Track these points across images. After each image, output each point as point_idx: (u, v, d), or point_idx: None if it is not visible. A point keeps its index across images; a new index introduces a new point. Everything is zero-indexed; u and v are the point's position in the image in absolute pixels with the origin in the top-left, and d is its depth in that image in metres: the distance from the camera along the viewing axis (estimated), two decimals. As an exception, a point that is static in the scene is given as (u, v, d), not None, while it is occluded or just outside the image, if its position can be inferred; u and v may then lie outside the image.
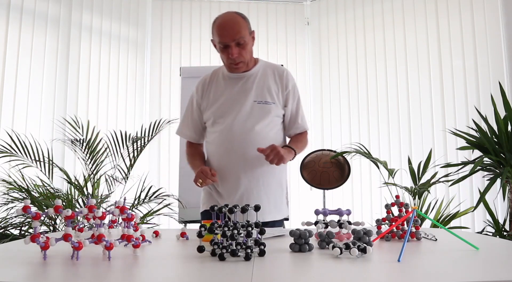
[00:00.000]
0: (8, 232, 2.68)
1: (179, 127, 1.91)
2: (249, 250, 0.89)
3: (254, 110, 1.71)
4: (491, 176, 2.47)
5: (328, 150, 3.30)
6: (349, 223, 1.14)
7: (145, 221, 3.10)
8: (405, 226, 1.24)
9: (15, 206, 2.75)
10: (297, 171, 3.22)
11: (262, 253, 0.94)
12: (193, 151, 1.87)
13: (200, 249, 0.94)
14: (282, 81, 1.77)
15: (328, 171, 3.13)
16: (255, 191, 1.70)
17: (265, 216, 1.70)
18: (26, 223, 2.69)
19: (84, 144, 3.11)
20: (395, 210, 1.29)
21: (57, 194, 2.89)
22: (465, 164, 2.61)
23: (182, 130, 1.90)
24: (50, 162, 3.00)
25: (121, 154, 3.23)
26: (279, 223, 1.79)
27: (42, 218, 2.48)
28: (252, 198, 1.68)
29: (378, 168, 3.13)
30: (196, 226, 1.90)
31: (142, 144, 3.24)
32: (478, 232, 2.89)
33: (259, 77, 1.76)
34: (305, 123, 1.86)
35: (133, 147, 3.22)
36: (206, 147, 1.85)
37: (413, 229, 1.20)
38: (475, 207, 2.47)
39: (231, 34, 1.63)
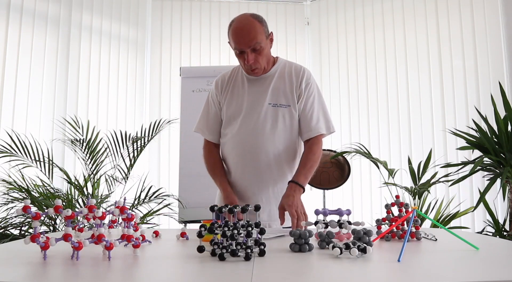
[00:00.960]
0: (8, 232, 2.67)
1: (198, 124, 1.83)
2: (249, 250, 0.89)
3: (268, 114, 1.67)
4: (491, 176, 2.48)
5: (328, 150, 3.31)
6: (349, 223, 1.14)
7: (145, 221, 3.10)
8: (405, 226, 1.24)
9: (15, 206, 2.75)
10: (297, 171, 3.21)
11: (262, 253, 0.94)
12: (212, 160, 1.79)
13: (200, 249, 0.94)
14: (298, 80, 1.71)
15: (328, 171, 3.14)
16: (265, 198, 1.67)
17: (271, 223, 1.67)
18: (26, 223, 2.69)
19: (84, 144, 3.11)
20: (395, 210, 1.29)
21: (57, 194, 2.89)
22: (465, 164, 2.61)
23: (200, 127, 1.82)
24: (50, 162, 3.00)
25: (121, 154, 3.23)
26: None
27: (42, 218, 2.48)
28: (261, 204, 1.64)
29: (378, 168, 3.13)
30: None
31: (142, 144, 3.24)
32: (478, 232, 2.89)
33: (276, 78, 1.72)
34: (320, 126, 1.71)
35: (133, 147, 3.22)
36: (221, 147, 1.80)
37: (413, 229, 1.20)
38: (475, 207, 2.47)
39: (246, 41, 1.57)
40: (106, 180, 3.16)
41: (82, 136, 3.17)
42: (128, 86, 4.18)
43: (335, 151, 3.17)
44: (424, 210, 2.93)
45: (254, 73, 1.68)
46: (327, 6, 4.47)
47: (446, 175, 2.87)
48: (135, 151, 3.23)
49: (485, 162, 2.53)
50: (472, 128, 2.70)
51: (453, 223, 2.92)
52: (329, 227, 1.12)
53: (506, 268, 0.79)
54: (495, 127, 2.52)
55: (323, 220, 1.15)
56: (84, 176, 3.11)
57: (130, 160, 3.23)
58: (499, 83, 2.59)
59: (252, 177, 1.68)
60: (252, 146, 1.66)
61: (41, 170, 3.01)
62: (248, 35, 1.57)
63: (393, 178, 3.05)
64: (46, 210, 0.95)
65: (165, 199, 3.16)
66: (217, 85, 1.79)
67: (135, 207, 3.07)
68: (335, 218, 1.17)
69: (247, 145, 1.67)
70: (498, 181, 2.35)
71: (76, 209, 2.03)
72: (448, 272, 0.77)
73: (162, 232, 1.38)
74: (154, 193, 3.16)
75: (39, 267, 0.82)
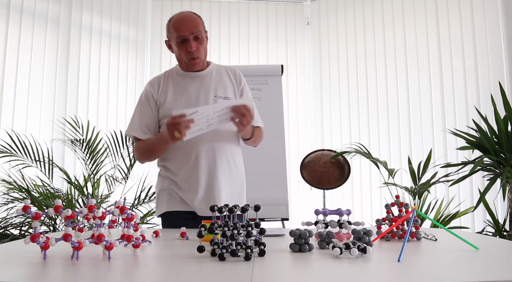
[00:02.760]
0: (8, 232, 2.68)
1: (130, 128, 1.78)
2: (249, 250, 0.89)
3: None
4: (491, 176, 2.48)
5: (328, 150, 3.32)
6: (349, 223, 1.14)
7: (145, 221, 3.10)
8: (405, 226, 1.24)
9: (15, 206, 2.75)
10: (297, 171, 3.24)
11: (262, 253, 0.94)
12: (145, 142, 1.77)
13: (200, 249, 0.94)
14: (236, 78, 1.83)
15: (328, 171, 3.15)
16: (218, 182, 1.70)
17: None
18: (26, 223, 2.69)
19: (84, 144, 3.11)
20: (395, 210, 1.29)
21: (57, 194, 2.90)
22: (465, 164, 2.61)
23: (134, 129, 1.76)
24: (50, 162, 3.00)
25: (121, 154, 3.23)
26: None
27: (42, 218, 2.49)
28: (216, 190, 1.68)
29: (378, 168, 3.13)
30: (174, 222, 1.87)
31: (142, 144, 3.24)
32: (478, 232, 2.89)
33: (214, 75, 1.80)
34: (259, 120, 1.84)
35: (133, 147, 3.22)
36: None
37: (413, 229, 1.20)
38: (475, 207, 2.47)
39: (190, 27, 1.67)
40: (106, 180, 3.16)
41: (82, 136, 3.17)
42: (128, 86, 4.18)
43: (335, 151, 3.17)
44: (424, 210, 2.93)
45: (194, 63, 1.73)
46: (327, 6, 4.47)
47: (446, 175, 2.87)
48: (135, 151, 3.23)
49: (485, 162, 2.53)
50: (472, 128, 2.70)
51: (453, 223, 2.92)
52: (329, 227, 1.12)
53: (506, 268, 0.79)
54: (495, 127, 2.52)
55: (323, 220, 1.15)
56: (84, 176, 3.11)
57: (130, 160, 3.23)
58: (499, 83, 2.59)
59: (204, 166, 1.69)
60: (204, 135, 1.66)
61: (41, 170, 3.01)
62: (191, 23, 1.69)
63: (393, 178, 3.05)
64: (46, 210, 0.95)
65: (165, 199, 3.16)
66: (153, 85, 1.79)
67: (135, 207, 3.08)
68: (335, 218, 1.17)
69: (198, 136, 1.66)
70: (498, 181, 2.35)
71: (76, 209, 2.03)
72: (448, 272, 0.77)
73: (162, 232, 1.38)
74: (154, 193, 3.16)
75: (39, 267, 0.82)
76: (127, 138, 3.24)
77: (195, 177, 1.69)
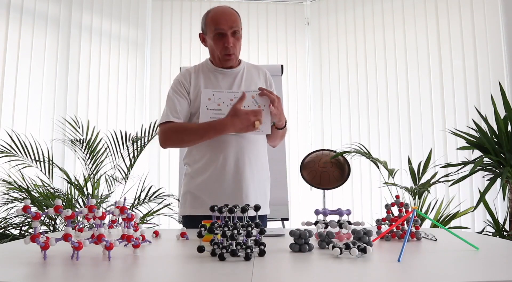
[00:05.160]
0: (8, 232, 2.68)
1: (162, 116, 1.70)
2: (249, 250, 0.89)
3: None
4: (491, 176, 2.48)
5: (328, 150, 3.32)
6: (349, 223, 1.14)
7: (145, 221, 3.10)
8: (405, 226, 1.24)
9: (15, 206, 2.75)
10: (297, 171, 3.24)
11: (262, 253, 0.94)
12: (177, 123, 1.67)
13: (200, 249, 0.94)
14: (266, 80, 1.83)
15: (328, 171, 3.15)
16: (246, 184, 1.69)
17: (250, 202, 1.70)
18: (26, 223, 2.69)
19: (84, 144, 3.11)
20: (395, 210, 1.29)
21: (57, 194, 2.90)
22: (465, 164, 2.61)
23: (165, 116, 1.68)
24: (50, 162, 3.00)
25: (121, 154, 3.23)
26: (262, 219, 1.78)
27: (42, 218, 2.49)
28: (244, 192, 1.66)
29: (378, 168, 3.13)
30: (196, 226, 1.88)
31: (142, 144, 3.25)
32: (478, 232, 2.89)
33: (245, 73, 1.79)
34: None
35: (133, 147, 3.23)
36: None
37: (413, 229, 1.20)
38: (475, 207, 2.47)
39: (229, 22, 1.65)
40: (106, 180, 3.16)
41: (82, 136, 3.17)
42: (128, 86, 4.18)
43: (335, 151, 3.17)
44: (424, 210, 2.93)
45: (229, 58, 1.71)
46: (327, 6, 4.47)
47: (446, 175, 2.87)
48: (135, 151, 3.23)
49: (485, 162, 2.53)
50: (472, 128, 2.70)
51: (453, 223, 2.92)
52: (329, 227, 1.12)
53: (506, 268, 0.79)
54: (495, 127, 2.52)
55: (323, 220, 1.15)
56: (84, 176, 3.11)
57: (130, 160, 3.23)
58: (499, 83, 2.59)
59: (232, 164, 1.67)
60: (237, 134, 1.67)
61: (41, 170, 3.01)
62: (230, 17, 1.66)
63: (393, 178, 3.05)
64: (46, 210, 0.95)
65: (165, 199, 3.16)
66: (185, 75, 1.75)
67: (135, 207, 3.08)
68: (335, 218, 1.17)
69: (232, 134, 1.67)
70: (498, 181, 2.35)
71: (76, 209, 2.03)
72: (448, 272, 0.77)
73: (162, 232, 1.38)
74: (154, 193, 3.16)
75: (39, 267, 0.82)
76: (127, 138, 3.24)
77: (222, 178, 1.66)
